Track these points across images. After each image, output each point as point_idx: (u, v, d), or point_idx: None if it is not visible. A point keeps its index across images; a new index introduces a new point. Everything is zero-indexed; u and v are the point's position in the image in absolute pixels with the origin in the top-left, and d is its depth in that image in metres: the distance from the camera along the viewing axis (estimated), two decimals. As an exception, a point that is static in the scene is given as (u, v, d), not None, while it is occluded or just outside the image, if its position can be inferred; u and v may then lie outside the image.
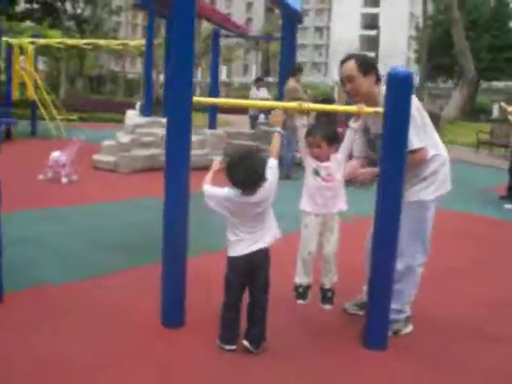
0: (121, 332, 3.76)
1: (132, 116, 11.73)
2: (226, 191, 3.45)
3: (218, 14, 11.16)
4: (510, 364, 3.69)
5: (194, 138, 11.65)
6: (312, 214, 3.72)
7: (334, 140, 3.72)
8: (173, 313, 3.87)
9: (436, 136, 3.97)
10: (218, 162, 3.75)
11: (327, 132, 3.70)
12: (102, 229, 6.39)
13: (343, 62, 3.90)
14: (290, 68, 10.68)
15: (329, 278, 3.85)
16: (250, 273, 3.52)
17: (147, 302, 4.15)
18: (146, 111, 11.66)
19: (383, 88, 3.71)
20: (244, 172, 3.34)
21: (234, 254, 3.51)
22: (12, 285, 4.28)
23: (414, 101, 3.67)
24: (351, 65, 3.82)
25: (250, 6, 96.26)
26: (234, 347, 3.55)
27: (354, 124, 3.70)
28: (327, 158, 3.69)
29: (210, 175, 3.67)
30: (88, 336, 3.67)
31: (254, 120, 15.11)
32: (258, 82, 16.48)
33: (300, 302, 3.88)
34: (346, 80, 3.87)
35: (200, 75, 45.53)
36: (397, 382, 3.38)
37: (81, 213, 7.15)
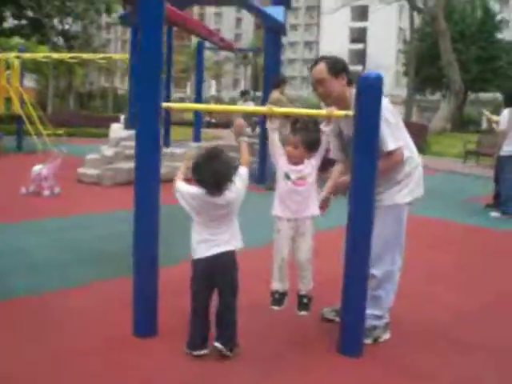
0: (92, 342, 3.69)
1: (116, 129, 11.69)
2: (193, 189, 3.40)
3: (195, 23, 11.09)
4: (481, 372, 3.62)
5: (178, 150, 11.67)
6: (284, 219, 3.68)
7: (313, 147, 3.66)
8: (144, 322, 3.80)
9: (409, 138, 3.93)
10: (190, 153, 3.69)
11: (309, 137, 3.64)
12: (79, 240, 6.31)
13: (313, 65, 3.87)
14: (274, 80, 10.67)
15: (304, 284, 3.80)
16: (213, 275, 3.45)
17: (120, 312, 4.07)
18: (130, 124, 11.61)
19: (354, 91, 3.68)
20: (209, 172, 3.30)
21: (197, 256, 3.46)
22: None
23: (386, 103, 3.65)
24: (321, 67, 3.79)
25: (239, 22, 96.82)
26: (202, 352, 3.47)
27: (325, 128, 3.64)
28: (300, 162, 3.65)
29: (182, 169, 3.62)
30: (57, 347, 3.59)
31: (250, 123, 15.10)
32: (245, 95, 16.54)
33: (275, 307, 3.80)
34: (317, 83, 3.83)
35: (189, 90, 45.71)
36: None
37: (60, 225, 7.07)
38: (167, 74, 12.48)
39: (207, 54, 49.86)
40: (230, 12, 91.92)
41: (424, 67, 39.84)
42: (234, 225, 3.51)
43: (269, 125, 3.67)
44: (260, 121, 11.99)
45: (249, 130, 14.68)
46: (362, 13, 79.36)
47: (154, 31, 3.62)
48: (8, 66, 15.30)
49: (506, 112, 9.17)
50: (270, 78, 10.97)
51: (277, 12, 11.55)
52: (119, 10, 36.01)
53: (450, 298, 5.00)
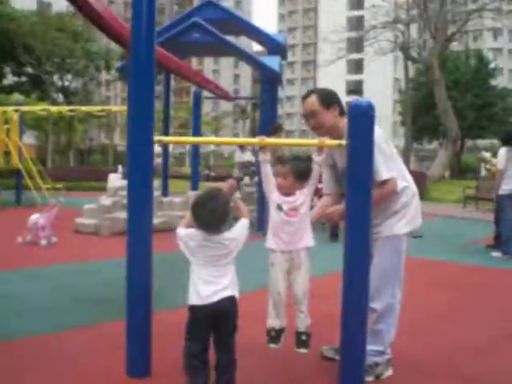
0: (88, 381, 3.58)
1: (114, 179, 11.68)
2: (192, 230, 3.34)
3: (189, 69, 11.20)
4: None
5: (177, 199, 11.66)
6: (277, 252, 3.61)
7: (303, 176, 3.62)
8: (138, 362, 3.69)
9: (404, 168, 3.90)
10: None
11: (299, 166, 3.61)
12: (74, 287, 6.21)
13: (304, 98, 3.86)
14: (270, 127, 10.72)
15: (301, 320, 3.67)
16: (214, 321, 3.29)
17: (115, 355, 3.96)
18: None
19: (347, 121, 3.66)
20: (208, 210, 3.25)
21: (197, 302, 3.27)
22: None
23: (379, 132, 3.63)
24: (312, 100, 3.79)
25: (237, 77, 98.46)
26: None
27: (316, 157, 3.59)
28: (292, 193, 3.61)
29: (187, 218, 3.49)
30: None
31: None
32: (243, 145, 16.58)
33: (272, 345, 3.68)
34: (309, 115, 3.82)
35: (189, 145, 45.89)
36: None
37: (56, 272, 6.99)
38: (165, 127, 12.59)
39: (205, 109, 50.29)
40: (228, 68, 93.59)
41: (420, 116, 40.27)
42: (232, 270, 3.37)
43: (261, 156, 3.63)
44: (258, 170, 11.98)
45: (247, 179, 14.71)
46: (357, 65, 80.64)
47: (146, 77, 3.67)
48: (7, 121, 15.42)
49: (502, 151, 9.17)
50: (266, 127, 11.02)
51: (273, 61, 11.72)
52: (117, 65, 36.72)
53: (452, 334, 4.88)
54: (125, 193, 10.73)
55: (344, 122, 3.76)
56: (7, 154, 15.52)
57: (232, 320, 3.35)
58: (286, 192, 3.61)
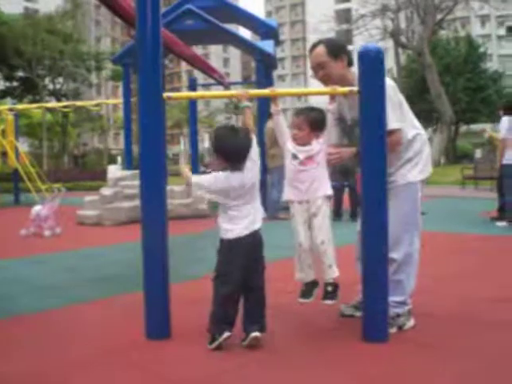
0: (107, 347, 3.53)
1: (114, 170, 11.62)
2: (215, 174, 3.39)
3: (191, 52, 11.15)
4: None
5: (177, 188, 11.59)
6: (295, 202, 3.58)
7: (318, 126, 3.59)
8: (158, 325, 3.64)
9: (413, 117, 3.86)
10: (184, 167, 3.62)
11: (313, 116, 3.59)
12: (82, 268, 6.19)
13: (312, 48, 3.80)
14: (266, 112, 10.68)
15: (323, 270, 3.61)
16: (251, 254, 3.39)
17: (131, 321, 3.93)
18: (127, 164, 11.59)
19: (355, 71, 3.61)
20: (232, 144, 3.34)
21: (233, 235, 3.37)
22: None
23: (388, 81, 3.58)
24: (320, 50, 3.72)
25: (226, 61, 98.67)
26: (227, 335, 3.31)
27: (329, 106, 3.57)
28: (308, 143, 3.57)
29: (187, 172, 3.52)
30: (73, 355, 3.41)
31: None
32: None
33: (301, 300, 3.65)
34: (317, 67, 3.76)
35: (183, 144, 45.78)
36: (404, 371, 3.10)
37: (61, 257, 6.97)
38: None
39: (198, 107, 50.14)
40: (217, 52, 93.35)
41: (414, 103, 40.22)
42: (257, 197, 3.49)
43: (273, 108, 3.63)
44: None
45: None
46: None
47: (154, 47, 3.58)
48: (1, 122, 15.36)
49: (505, 120, 9.09)
50: (263, 111, 10.99)
51: (268, 45, 11.72)
52: (108, 66, 36.73)
53: (469, 291, 4.83)
54: (125, 183, 10.69)
55: (352, 73, 3.72)
56: (3, 155, 15.48)
57: (262, 251, 3.46)
58: (302, 143, 3.57)
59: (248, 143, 3.36)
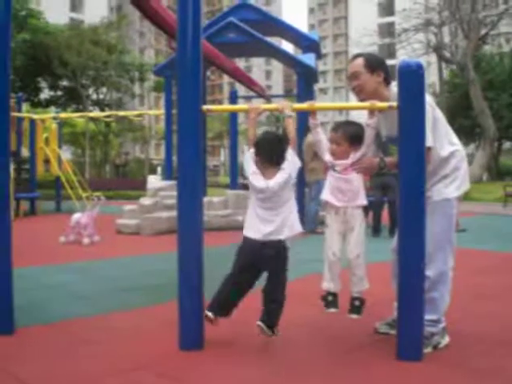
0: (143, 357, 3.56)
1: (153, 180, 11.76)
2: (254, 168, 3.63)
3: (232, 64, 11.21)
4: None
5: (216, 199, 11.63)
6: (332, 212, 3.64)
7: (356, 140, 3.64)
8: (192, 335, 3.66)
9: (451, 132, 3.83)
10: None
11: (351, 130, 3.64)
12: (118, 277, 6.28)
13: (352, 59, 3.86)
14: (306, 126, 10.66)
15: (355, 284, 3.63)
16: (260, 257, 3.55)
17: (164, 331, 3.97)
18: (167, 175, 11.69)
19: (394, 89, 3.61)
20: (268, 146, 3.60)
21: (246, 233, 3.63)
22: (34, 320, 4.30)
23: (427, 96, 3.55)
24: (358, 62, 3.77)
25: (268, 74, 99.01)
26: (211, 316, 3.57)
27: (369, 121, 3.58)
28: (345, 157, 3.59)
29: (252, 130, 3.77)
30: (105, 365, 3.45)
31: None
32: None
33: (331, 310, 3.69)
34: (351, 76, 3.81)
35: (223, 157, 46.13)
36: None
37: (100, 265, 7.06)
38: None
39: (239, 119, 50.42)
40: (259, 65, 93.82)
41: (456, 118, 39.68)
42: (288, 208, 3.59)
43: (311, 121, 3.66)
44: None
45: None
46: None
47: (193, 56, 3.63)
48: (46, 130, 15.68)
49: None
50: (302, 125, 10.97)
51: (309, 59, 11.74)
52: (151, 77, 37.25)
53: (500, 312, 4.74)
54: (165, 193, 10.77)
55: (390, 92, 3.71)
56: (47, 162, 15.76)
57: (280, 261, 3.60)
58: (340, 158, 3.60)
59: (281, 142, 3.60)
